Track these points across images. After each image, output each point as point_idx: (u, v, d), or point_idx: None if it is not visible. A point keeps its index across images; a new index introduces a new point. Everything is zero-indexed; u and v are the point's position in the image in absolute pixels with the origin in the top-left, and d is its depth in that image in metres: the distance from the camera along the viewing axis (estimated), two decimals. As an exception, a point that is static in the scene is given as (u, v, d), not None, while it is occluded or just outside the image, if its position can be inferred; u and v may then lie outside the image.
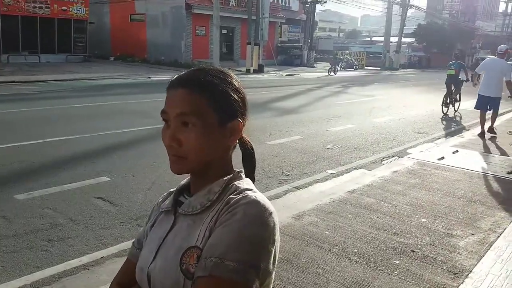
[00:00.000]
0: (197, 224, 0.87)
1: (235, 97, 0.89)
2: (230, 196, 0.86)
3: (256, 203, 0.83)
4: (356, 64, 36.50)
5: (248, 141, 1.00)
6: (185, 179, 1.00)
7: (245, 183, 0.92)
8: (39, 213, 3.97)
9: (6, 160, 5.46)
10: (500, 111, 9.08)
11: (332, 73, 27.24)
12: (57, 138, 6.73)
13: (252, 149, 1.00)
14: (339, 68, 29.57)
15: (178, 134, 0.85)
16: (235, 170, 0.94)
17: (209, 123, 0.85)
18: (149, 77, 18.23)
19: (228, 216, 0.81)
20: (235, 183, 0.90)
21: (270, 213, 0.83)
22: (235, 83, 0.90)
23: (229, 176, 0.91)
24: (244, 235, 0.78)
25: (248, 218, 0.80)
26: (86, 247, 3.41)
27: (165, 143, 0.87)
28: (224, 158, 0.92)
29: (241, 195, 0.85)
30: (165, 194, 1.05)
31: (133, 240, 1.07)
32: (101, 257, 3.25)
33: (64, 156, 5.83)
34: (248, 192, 0.86)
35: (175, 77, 0.90)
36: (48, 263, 3.14)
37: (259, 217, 0.81)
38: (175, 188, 1.02)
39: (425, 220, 4.12)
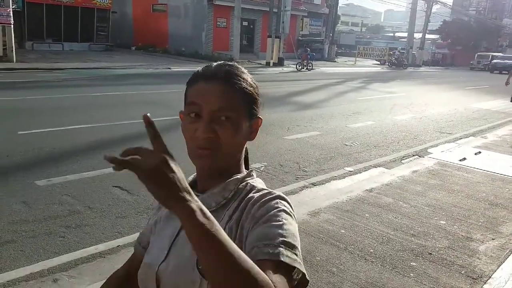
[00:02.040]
0: None
1: (256, 95, 0.91)
2: (252, 195, 0.86)
3: (282, 198, 0.85)
4: (406, 62, 33.28)
5: None
6: (191, 175, 0.97)
7: (258, 182, 0.93)
8: (58, 199, 4.04)
9: (28, 147, 5.56)
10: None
11: (304, 69, 22.59)
12: (78, 126, 6.82)
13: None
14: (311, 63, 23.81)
15: (215, 127, 0.84)
16: (248, 169, 0.96)
17: (242, 119, 0.87)
18: (169, 68, 18.33)
19: (263, 211, 0.81)
20: (249, 181, 0.91)
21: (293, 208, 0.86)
22: (254, 81, 0.93)
23: (243, 175, 0.91)
24: (289, 226, 0.80)
25: (285, 211, 0.82)
26: (103, 235, 3.45)
27: (200, 136, 0.84)
28: (241, 156, 0.94)
29: (264, 192, 0.87)
30: None
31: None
32: (117, 246, 3.29)
33: (84, 144, 5.91)
34: (270, 190, 0.88)
35: (205, 69, 0.89)
36: (66, 249, 3.19)
37: (290, 209, 0.83)
38: None
39: (444, 222, 4.03)
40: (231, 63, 0.91)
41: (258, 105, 0.91)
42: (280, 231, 0.77)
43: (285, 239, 0.76)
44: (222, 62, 0.91)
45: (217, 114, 0.84)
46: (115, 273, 1.07)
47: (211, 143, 0.84)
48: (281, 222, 0.78)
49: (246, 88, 0.88)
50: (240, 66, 0.92)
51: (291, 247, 0.76)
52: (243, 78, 0.88)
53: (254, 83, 0.92)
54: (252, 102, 0.90)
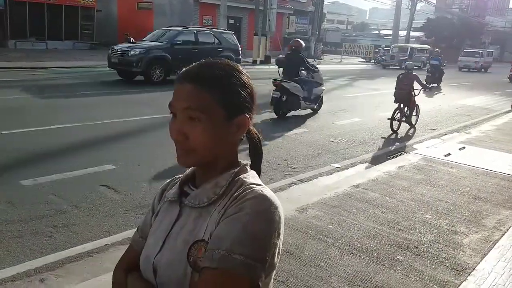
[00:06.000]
0: (204, 217, 0.87)
1: (242, 92, 0.89)
2: (240, 191, 0.86)
3: (262, 197, 0.83)
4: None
5: (256, 133, 0.99)
6: (190, 168, 0.99)
7: (251, 176, 0.92)
8: (44, 199, 3.99)
9: (13, 146, 5.48)
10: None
11: None
12: (63, 126, 6.74)
13: (260, 141, 1.00)
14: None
15: (184, 128, 0.85)
16: (241, 163, 0.94)
17: (215, 118, 0.85)
18: (156, 66, 18.16)
19: (235, 209, 0.82)
20: (241, 176, 0.91)
21: (276, 207, 0.83)
22: (243, 78, 0.90)
23: (235, 170, 0.91)
24: (251, 230, 0.79)
25: (255, 213, 0.81)
26: (90, 234, 3.43)
27: (172, 137, 0.87)
28: (231, 151, 0.93)
29: (248, 190, 0.85)
30: (169, 180, 1.05)
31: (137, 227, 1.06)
32: (105, 244, 3.27)
33: (69, 144, 5.85)
34: (255, 187, 0.87)
35: (182, 70, 0.90)
36: (53, 249, 3.17)
37: (266, 212, 0.82)
38: (179, 176, 1.01)
39: (430, 216, 4.10)
40: (213, 62, 0.89)
41: (243, 101, 0.88)
42: (234, 236, 0.77)
43: (237, 242, 0.77)
44: (204, 61, 0.90)
45: (187, 114, 0.84)
46: (120, 267, 1.01)
47: (181, 144, 0.86)
48: (241, 226, 0.78)
49: (223, 86, 0.86)
50: (225, 62, 0.90)
51: (240, 253, 0.76)
52: (222, 76, 0.86)
53: (241, 80, 0.89)
54: (233, 100, 0.87)
